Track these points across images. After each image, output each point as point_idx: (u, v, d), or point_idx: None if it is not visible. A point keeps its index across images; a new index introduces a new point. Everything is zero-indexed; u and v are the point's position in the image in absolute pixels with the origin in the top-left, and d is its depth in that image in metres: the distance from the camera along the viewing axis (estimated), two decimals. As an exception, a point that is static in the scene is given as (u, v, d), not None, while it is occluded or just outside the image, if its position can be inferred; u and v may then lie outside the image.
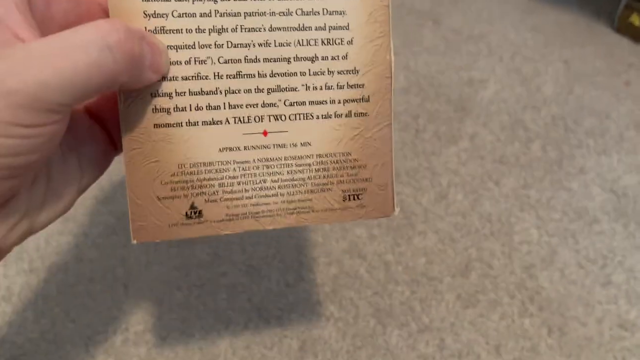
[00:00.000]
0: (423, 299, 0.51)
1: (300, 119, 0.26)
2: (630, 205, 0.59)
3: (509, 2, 0.85)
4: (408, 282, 0.52)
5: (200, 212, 0.26)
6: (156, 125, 0.24)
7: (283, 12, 0.25)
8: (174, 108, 0.24)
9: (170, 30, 0.24)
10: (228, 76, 0.25)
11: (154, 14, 0.24)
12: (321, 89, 0.26)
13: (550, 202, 0.58)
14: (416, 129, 0.65)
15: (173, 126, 0.25)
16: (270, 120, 0.26)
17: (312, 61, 0.26)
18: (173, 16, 0.24)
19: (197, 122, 0.25)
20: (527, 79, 0.72)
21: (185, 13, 0.24)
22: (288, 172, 0.26)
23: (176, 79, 0.24)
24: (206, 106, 0.25)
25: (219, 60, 0.25)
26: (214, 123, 0.25)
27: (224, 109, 0.25)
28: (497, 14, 0.82)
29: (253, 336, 0.48)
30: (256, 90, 0.25)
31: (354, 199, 0.27)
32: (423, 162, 0.61)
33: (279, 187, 0.27)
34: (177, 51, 0.24)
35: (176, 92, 0.24)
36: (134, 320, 0.48)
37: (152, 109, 0.24)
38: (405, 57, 0.74)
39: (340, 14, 0.26)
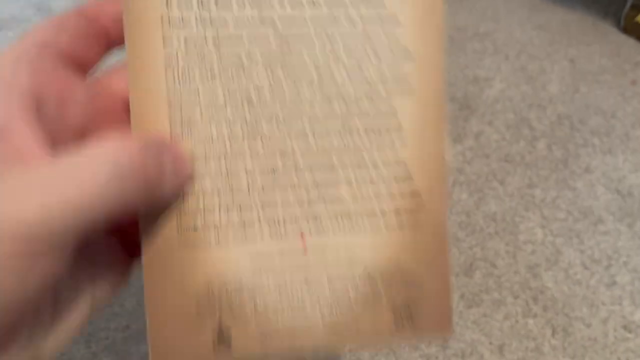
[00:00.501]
0: (426, 298, 0.50)
1: (345, 232, 0.23)
2: (636, 205, 0.58)
3: (515, 0, 0.85)
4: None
5: (229, 336, 0.23)
6: (181, 244, 0.22)
7: (328, 115, 0.22)
8: (201, 225, 0.21)
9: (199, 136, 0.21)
10: (264, 187, 0.22)
11: (180, 116, 0.21)
12: (369, 198, 0.23)
13: (555, 202, 0.58)
14: (420, 127, 0.64)
15: (200, 245, 0.22)
16: (311, 234, 0.23)
17: (359, 167, 0.23)
18: (201, 118, 0.21)
19: (228, 239, 0.22)
20: (533, 78, 0.71)
21: (216, 114, 0.21)
22: (331, 291, 0.23)
23: (204, 193, 0.21)
24: (238, 222, 0.22)
25: (253, 169, 0.22)
26: (247, 240, 0.22)
27: (259, 223, 0.22)
28: (502, 12, 0.82)
29: None
30: (295, 202, 0.22)
31: (406, 318, 0.24)
32: (427, 160, 0.61)
33: (320, 309, 0.23)
34: (205, 161, 0.21)
35: (204, 207, 0.21)
36: (136, 317, 0.48)
37: (177, 226, 0.21)
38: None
39: (390, 112, 0.23)
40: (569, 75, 0.72)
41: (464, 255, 0.53)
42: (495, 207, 0.57)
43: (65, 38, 0.20)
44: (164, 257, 0.21)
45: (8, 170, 0.17)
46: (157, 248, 0.21)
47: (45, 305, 0.19)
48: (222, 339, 0.22)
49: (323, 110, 0.22)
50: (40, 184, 0.16)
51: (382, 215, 0.23)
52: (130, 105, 0.20)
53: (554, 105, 0.68)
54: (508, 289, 0.51)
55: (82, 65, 0.21)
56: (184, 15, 0.20)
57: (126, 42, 0.20)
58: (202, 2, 0.21)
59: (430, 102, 0.23)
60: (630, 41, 0.78)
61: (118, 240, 0.22)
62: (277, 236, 0.22)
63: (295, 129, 0.22)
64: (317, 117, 0.22)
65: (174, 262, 0.21)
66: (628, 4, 0.78)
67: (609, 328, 0.49)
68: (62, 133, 0.20)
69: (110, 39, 0.22)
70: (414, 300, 0.24)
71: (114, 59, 0.23)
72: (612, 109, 0.68)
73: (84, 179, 0.16)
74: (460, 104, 0.67)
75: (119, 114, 0.22)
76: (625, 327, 0.49)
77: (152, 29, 0.20)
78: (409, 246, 0.23)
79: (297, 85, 0.22)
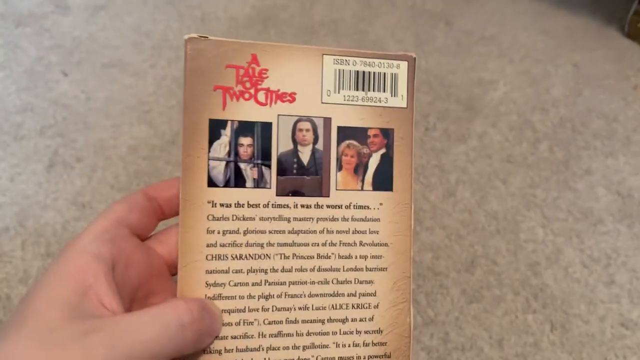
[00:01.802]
0: (428, 292, 0.52)
1: None
2: (635, 206, 0.59)
3: (521, 4, 0.86)
4: (414, 276, 0.53)
5: None
6: None
7: (321, 281, 0.29)
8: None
9: (226, 297, 0.28)
10: (270, 335, 0.28)
11: (214, 283, 0.28)
12: (349, 346, 0.29)
13: (556, 202, 0.59)
14: (426, 127, 0.66)
15: None
16: None
17: (343, 322, 0.29)
18: (230, 285, 0.28)
19: None
20: (537, 81, 0.73)
21: (240, 282, 0.28)
22: None
23: (226, 338, 0.28)
24: None
25: (264, 321, 0.28)
26: None
27: None
28: (508, 16, 0.83)
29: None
30: (293, 347, 0.29)
31: None
32: (432, 159, 0.62)
33: None
34: (229, 314, 0.28)
35: (225, 349, 0.28)
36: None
37: None
38: (417, 56, 0.74)
39: (369, 283, 0.30)
40: (573, 79, 0.73)
41: (465, 252, 0.55)
42: (497, 206, 0.59)
43: (134, 216, 0.28)
44: None
45: (92, 325, 0.22)
46: None
47: None
48: None
49: (319, 281, 0.29)
50: (127, 332, 0.22)
51: (357, 359, 0.30)
52: (179, 275, 0.28)
53: (557, 108, 0.69)
54: (508, 285, 0.53)
55: (143, 233, 0.29)
56: (224, 213, 0.28)
57: (180, 229, 0.28)
58: (239, 202, 0.28)
59: (398, 277, 0.30)
60: (634, 46, 0.79)
61: None
62: None
63: (299, 294, 0.29)
64: (314, 286, 0.29)
65: None
66: (632, 10, 0.79)
67: (606, 325, 0.50)
68: (124, 289, 0.26)
69: (164, 214, 0.30)
70: None
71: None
72: (614, 113, 0.69)
73: (159, 328, 0.22)
74: (464, 105, 0.69)
75: (162, 272, 0.29)
76: (622, 325, 0.51)
77: (199, 221, 0.28)
78: None
79: (302, 264, 0.29)
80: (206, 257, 0.28)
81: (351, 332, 0.29)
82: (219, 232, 0.28)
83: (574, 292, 0.52)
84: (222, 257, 0.28)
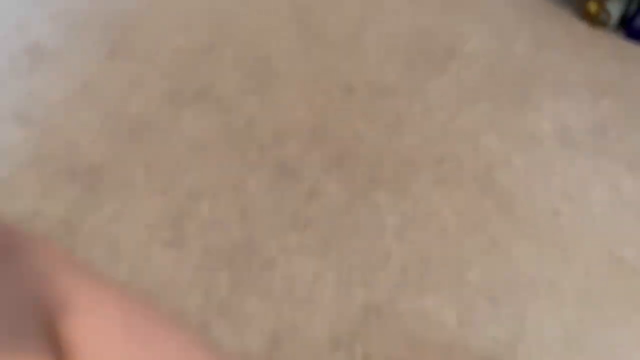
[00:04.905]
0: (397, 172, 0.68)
1: None
2: (571, 137, 0.78)
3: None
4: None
5: None
6: None
7: None
8: None
9: None
10: None
11: None
12: None
13: (511, 124, 0.77)
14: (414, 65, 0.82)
15: None
16: None
17: None
18: None
19: None
20: (504, 39, 0.90)
21: None
22: None
23: None
24: None
25: None
26: None
27: None
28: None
29: (279, 186, 0.64)
30: None
31: None
32: (420, 83, 0.79)
33: None
34: None
35: None
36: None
37: None
38: (412, 13, 0.91)
39: None
40: (533, 40, 0.91)
41: (437, 151, 0.72)
42: (465, 125, 0.76)
43: None
44: None
45: None
46: None
47: None
48: None
49: None
50: None
51: None
52: None
53: (520, 61, 0.87)
54: (469, 176, 0.70)
55: None
56: None
57: None
58: None
59: None
60: (581, 24, 0.98)
61: None
62: None
63: None
64: None
65: None
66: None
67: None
68: None
69: None
70: None
71: None
72: (565, 69, 0.87)
73: None
74: (445, 51, 0.85)
75: None
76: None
77: None
78: None
79: None
80: None
81: None
82: None
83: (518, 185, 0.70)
84: None
